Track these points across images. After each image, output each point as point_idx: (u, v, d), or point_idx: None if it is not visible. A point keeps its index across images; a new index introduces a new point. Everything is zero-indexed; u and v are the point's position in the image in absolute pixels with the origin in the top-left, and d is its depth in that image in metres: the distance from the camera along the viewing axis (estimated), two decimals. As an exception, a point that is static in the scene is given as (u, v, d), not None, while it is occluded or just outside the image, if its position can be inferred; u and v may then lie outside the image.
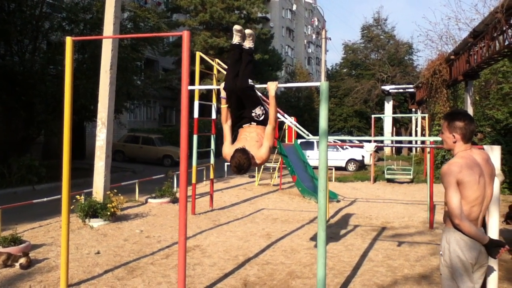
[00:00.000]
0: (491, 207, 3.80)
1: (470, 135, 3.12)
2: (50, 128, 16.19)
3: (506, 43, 11.80)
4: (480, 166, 3.07)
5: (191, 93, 4.95)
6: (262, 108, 4.64)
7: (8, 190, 13.00)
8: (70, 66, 5.11)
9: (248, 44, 4.87)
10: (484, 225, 3.25)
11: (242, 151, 4.24)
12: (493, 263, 3.49)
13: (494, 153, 4.00)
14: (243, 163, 4.20)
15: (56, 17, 16.73)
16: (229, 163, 4.35)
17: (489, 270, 3.42)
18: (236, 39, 4.86)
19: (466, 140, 3.13)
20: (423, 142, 15.29)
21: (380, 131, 34.15)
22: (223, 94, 4.77)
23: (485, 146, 4.11)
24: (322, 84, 4.21)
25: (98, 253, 6.81)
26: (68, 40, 5.11)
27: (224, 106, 4.67)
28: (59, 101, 12.90)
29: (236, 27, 4.87)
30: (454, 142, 3.15)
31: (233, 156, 4.25)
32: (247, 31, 4.91)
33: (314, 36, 69.10)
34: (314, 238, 7.88)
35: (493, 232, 3.85)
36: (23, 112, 15.51)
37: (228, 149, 4.50)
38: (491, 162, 3.26)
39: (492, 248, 3.02)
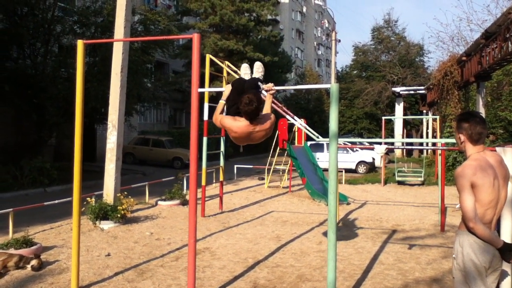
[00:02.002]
0: (504, 211, 3.74)
1: (477, 136, 3.06)
2: (62, 130, 16.34)
3: (519, 44, 11.68)
4: (494, 169, 3.02)
5: (201, 95, 4.95)
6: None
7: (20, 192, 13.13)
8: (82, 69, 5.14)
9: (257, 74, 5.05)
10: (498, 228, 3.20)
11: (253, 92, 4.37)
12: (507, 267, 3.43)
13: (507, 155, 3.94)
14: (254, 98, 4.17)
15: (68, 20, 16.91)
16: (219, 127, 4.62)
17: (503, 274, 3.37)
18: (245, 76, 5.10)
19: (474, 142, 3.07)
20: (434, 144, 15.17)
21: (390, 133, 33.93)
22: (226, 93, 4.77)
23: (497, 148, 4.05)
24: (332, 86, 4.19)
25: (109, 255, 6.83)
26: (80, 43, 5.14)
27: (222, 101, 4.70)
28: (70, 103, 13.01)
29: (243, 66, 5.20)
30: (462, 143, 3.12)
31: (245, 94, 4.27)
32: (256, 64, 5.14)
33: (324, 38, 69.01)
34: (324, 240, 7.84)
35: (507, 236, 3.79)
36: (35, 115, 15.69)
37: (219, 116, 4.57)
38: (505, 164, 3.21)
39: (506, 252, 2.97)
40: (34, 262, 6.00)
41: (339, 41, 32.95)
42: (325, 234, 8.22)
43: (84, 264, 6.20)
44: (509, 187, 3.37)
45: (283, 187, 15.39)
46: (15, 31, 14.90)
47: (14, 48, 16.12)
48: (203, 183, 10.38)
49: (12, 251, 6.34)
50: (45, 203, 8.91)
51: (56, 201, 8.98)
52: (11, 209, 7.74)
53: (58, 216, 9.43)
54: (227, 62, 11.28)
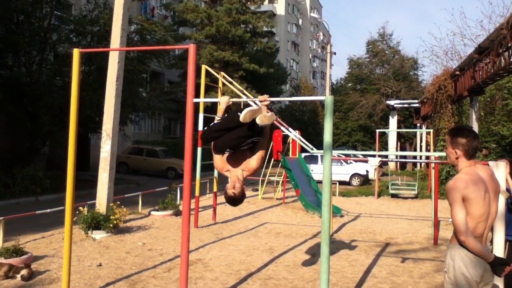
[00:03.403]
0: (496, 224, 3.76)
1: (472, 151, 3.10)
2: (55, 139, 16.26)
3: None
4: (485, 182, 3.05)
5: (196, 105, 4.96)
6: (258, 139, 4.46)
7: (11, 200, 13.00)
8: (77, 78, 5.14)
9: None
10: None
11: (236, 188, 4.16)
12: (499, 281, 3.44)
13: (499, 169, 3.97)
14: (237, 198, 4.19)
15: (64, 29, 16.92)
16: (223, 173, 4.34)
17: (494, 289, 3.37)
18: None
19: (469, 157, 3.10)
20: (427, 157, 15.24)
21: (384, 145, 34.07)
22: (221, 107, 4.60)
23: (490, 162, 4.08)
24: (327, 98, 4.21)
25: (100, 265, 6.78)
26: (76, 52, 5.15)
27: (218, 117, 4.55)
28: (64, 112, 12.96)
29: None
30: (457, 158, 3.14)
31: (228, 190, 4.18)
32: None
33: (319, 51, 69.43)
34: (317, 253, 7.81)
35: (498, 250, 3.81)
36: (29, 123, 15.60)
37: (220, 162, 4.42)
38: (496, 178, 3.24)
39: (497, 266, 2.98)
40: (24, 271, 5.94)
41: (334, 53, 33.13)
42: (318, 246, 8.20)
43: (75, 274, 6.14)
44: (500, 200, 3.39)
45: (277, 199, 15.36)
46: (10, 39, 14.89)
47: (9, 55, 16.09)
48: (197, 193, 10.35)
49: (2, 260, 6.27)
50: (37, 212, 8.83)
51: (48, 210, 8.90)
52: (1, 218, 7.66)
53: (50, 225, 9.35)
54: (222, 73, 11.32)
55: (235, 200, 4.20)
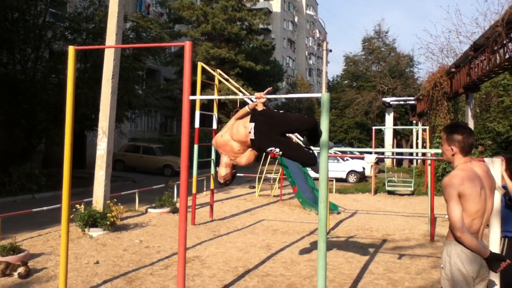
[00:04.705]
0: (492, 221, 3.78)
1: (468, 148, 3.11)
2: (51, 136, 16.21)
3: (507, 56, 11.86)
4: (480, 179, 3.06)
5: (192, 103, 4.95)
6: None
7: (8, 198, 12.97)
8: (72, 75, 5.12)
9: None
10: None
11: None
12: (495, 277, 3.46)
13: (495, 166, 3.99)
14: (228, 181, 4.72)
15: (59, 26, 16.86)
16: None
17: (490, 284, 3.40)
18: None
19: (465, 153, 3.11)
20: (424, 154, 15.27)
21: (381, 143, 34.12)
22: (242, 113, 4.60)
23: (485, 159, 4.10)
24: (323, 95, 4.21)
25: (97, 263, 6.77)
26: (71, 49, 5.13)
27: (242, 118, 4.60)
28: (60, 110, 12.92)
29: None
30: (453, 155, 3.15)
31: (219, 179, 4.70)
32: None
33: (315, 48, 69.45)
34: (314, 249, 7.84)
35: (494, 246, 3.83)
36: (25, 121, 15.55)
37: (219, 139, 4.58)
38: (491, 174, 3.25)
39: (493, 262, 3.00)
40: (21, 269, 5.93)
41: (330, 51, 33.20)
42: (315, 243, 8.22)
43: (72, 272, 6.13)
44: (495, 197, 3.41)
45: (274, 196, 15.38)
46: (5, 36, 14.82)
47: (4, 53, 16.02)
48: (194, 191, 10.35)
49: (-2, 258, 6.26)
50: (33, 210, 8.81)
51: (45, 208, 8.89)
52: (-2, 216, 7.66)
53: (47, 223, 9.33)
54: (218, 70, 11.31)
55: (226, 185, 4.79)
